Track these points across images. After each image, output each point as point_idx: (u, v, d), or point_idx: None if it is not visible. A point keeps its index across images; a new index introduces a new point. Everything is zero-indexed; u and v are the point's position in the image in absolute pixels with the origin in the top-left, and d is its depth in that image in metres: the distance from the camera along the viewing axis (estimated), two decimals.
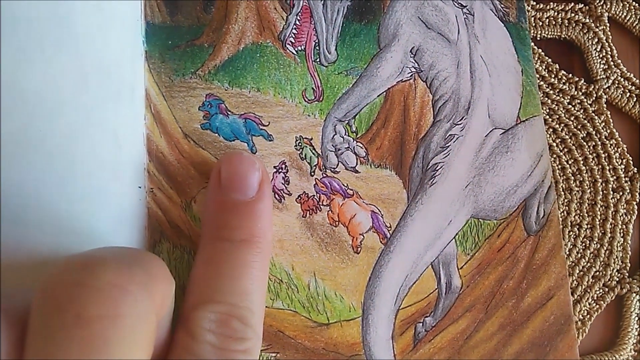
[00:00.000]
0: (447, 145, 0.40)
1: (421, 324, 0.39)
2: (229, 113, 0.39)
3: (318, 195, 0.39)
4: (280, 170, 0.39)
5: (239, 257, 0.33)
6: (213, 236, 0.34)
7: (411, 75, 0.41)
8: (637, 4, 0.46)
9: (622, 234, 0.43)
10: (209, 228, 0.35)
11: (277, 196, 0.39)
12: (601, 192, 0.43)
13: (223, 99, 0.39)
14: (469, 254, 0.39)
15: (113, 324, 0.24)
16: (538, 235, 0.40)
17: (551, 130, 0.44)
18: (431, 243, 0.39)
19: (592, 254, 0.43)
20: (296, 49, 0.41)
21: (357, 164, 0.40)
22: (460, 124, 0.41)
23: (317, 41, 0.41)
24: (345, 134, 0.40)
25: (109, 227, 0.37)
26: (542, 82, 0.45)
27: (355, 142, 0.40)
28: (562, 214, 0.43)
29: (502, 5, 0.44)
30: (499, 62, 0.42)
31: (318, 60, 0.41)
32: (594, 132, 0.44)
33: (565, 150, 0.43)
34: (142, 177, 0.38)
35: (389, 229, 0.39)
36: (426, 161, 0.40)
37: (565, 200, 0.42)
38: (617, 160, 0.44)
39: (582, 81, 0.45)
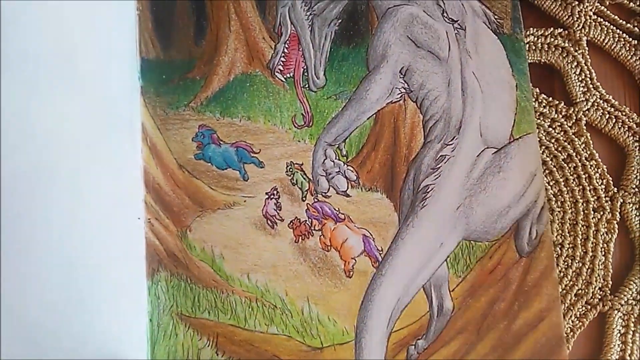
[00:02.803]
0: (438, 166, 0.44)
1: (413, 347, 0.43)
2: (221, 142, 0.45)
3: (310, 220, 0.44)
4: (272, 196, 0.44)
5: None
6: None
7: (401, 96, 0.45)
8: (614, 27, 0.50)
9: (603, 253, 0.47)
10: None
11: (269, 222, 0.44)
12: (582, 212, 0.47)
13: (215, 129, 0.45)
14: (461, 276, 0.43)
15: None
16: (530, 256, 0.43)
17: None
18: (423, 266, 0.43)
19: (574, 273, 0.47)
20: (285, 76, 0.45)
21: (348, 188, 0.45)
22: (451, 144, 0.45)
23: (305, 67, 0.45)
24: (335, 158, 0.45)
25: (110, 258, 0.42)
26: None
27: (345, 165, 0.45)
28: None
29: (496, 17, 0.47)
30: (492, 78, 0.46)
31: (307, 86, 0.45)
32: (574, 154, 0.48)
33: (547, 171, 0.47)
34: (140, 209, 0.43)
35: (381, 252, 0.44)
36: (417, 183, 0.44)
37: (548, 218, 0.46)
38: (598, 180, 0.48)
39: (562, 104, 0.49)
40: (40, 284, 0.41)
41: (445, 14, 0.46)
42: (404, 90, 0.46)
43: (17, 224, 0.40)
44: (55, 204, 0.41)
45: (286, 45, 0.46)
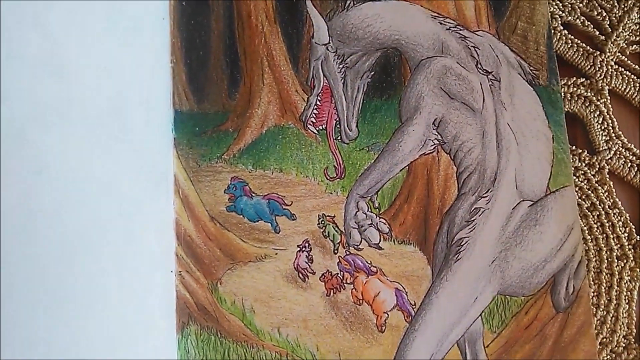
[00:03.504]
0: (472, 219, 0.45)
1: None
2: (253, 194, 0.46)
3: (342, 273, 0.45)
4: (303, 249, 0.45)
5: None
6: None
7: (434, 148, 0.46)
8: (635, 77, 0.52)
9: (627, 301, 0.48)
10: None
11: (300, 275, 0.45)
12: (606, 260, 0.49)
13: (247, 181, 0.46)
14: (496, 332, 0.44)
15: None
16: (567, 312, 0.43)
17: None
18: (457, 321, 0.44)
19: (599, 321, 0.48)
20: (317, 128, 0.46)
21: (380, 241, 0.45)
22: (486, 196, 0.45)
23: (338, 119, 0.46)
24: (367, 210, 0.46)
25: (141, 311, 0.43)
26: None
27: (378, 218, 0.45)
28: None
29: (532, 68, 0.48)
30: (527, 129, 0.46)
31: (339, 138, 0.46)
32: (597, 202, 0.50)
33: None
34: (172, 261, 0.44)
35: (414, 307, 0.44)
36: (451, 236, 0.45)
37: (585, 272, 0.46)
38: (621, 228, 0.49)
39: (585, 152, 0.51)
40: (73, 337, 0.42)
41: (479, 65, 0.47)
42: (437, 142, 0.46)
43: (51, 279, 0.41)
44: (89, 258, 0.43)
45: (319, 98, 0.47)
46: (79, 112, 0.43)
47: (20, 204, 0.40)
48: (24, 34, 0.42)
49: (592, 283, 0.48)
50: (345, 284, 0.45)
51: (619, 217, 0.49)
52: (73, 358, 0.41)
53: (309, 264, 0.45)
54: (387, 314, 0.45)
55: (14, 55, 0.41)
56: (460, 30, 0.48)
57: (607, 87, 0.51)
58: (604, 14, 0.53)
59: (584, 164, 0.50)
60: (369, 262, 0.45)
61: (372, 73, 0.48)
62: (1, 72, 0.40)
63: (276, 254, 0.45)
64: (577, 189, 0.49)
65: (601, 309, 0.47)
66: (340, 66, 0.47)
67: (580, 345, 0.43)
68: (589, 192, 0.50)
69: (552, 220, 0.45)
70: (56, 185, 0.41)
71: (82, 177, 0.43)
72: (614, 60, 0.52)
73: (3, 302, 0.41)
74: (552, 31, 0.50)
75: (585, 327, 0.44)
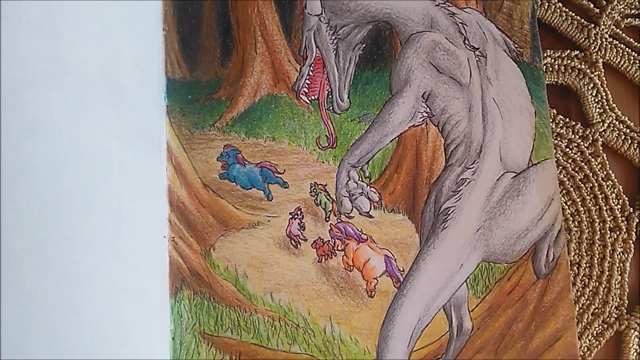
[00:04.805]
0: (458, 189, 0.47)
1: None
2: (246, 162, 0.47)
3: (333, 240, 0.47)
4: (295, 216, 0.47)
5: None
6: None
7: (423, 120, 0.48)
8: (630, 50, 0.55)
9: (619, 272, 0.51)
10: None
11: (293, 242, 0.47)
12: (599, 232, 0.52)
13: (240, 149, 0.47)
14: (480, 297, 0.46)
15: None
16: (547, 278, 0.46)
17: None
18: (443, 286, 0.46)
19: (591, 292, 0.51)
20: (310, 98, 0.48)
21: (370, 209, 0.47)
22: (472, 167, 0.48)
23: (330, 90, 0.48)
24: (358, 180, 0.48)
25: (134, 276, 0.44)
26: None
27: (368, 187, 0.48)
28: None
29: (516, 45, 0.50)
30: (511, 104, 0.49)
31: (331, 108, 0.48)
32: (591, 174, 0.52)
33: (564, 191, 0.51)
34: (165, 227, 0.45)
35: (402, 272, 0.46)
36: (438, 205, 0.47)
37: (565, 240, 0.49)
38: (614, 200, 0.52)
39: (579, 125, 0.54)
40: (64, 301, 0.43)
41: (466, 42, 0.49)
42: (426, 115, 0.49)
43: (43, 240, 0.42)
44: (81, 221, 0.44)
45: (311, 68, 0.49)
46: (73, 77, 0.43)
47: (14, 160, 0.41)
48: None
49: (585, 254, 0.51)
50: (336, 251, 0.47)
51: (612, 189, 0.52)
52: (65, 319, 0.42)
53: (301, 231, 0.47)
54: (377, 280, 0.47)
55: (11, 19, 0.41)
56: (449, 6, 0.50)
57: (601, 60, 0.54)
58: None
59: (577, 136, 0.53)
60: (360, 229, 0.48)
61: (364, 45, 0.49)
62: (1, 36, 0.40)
63: (269, 221, 0.47)
64: (570, 161, 0.52)
65: (593, 280, 0.50)
66: (333, 37, 0.49)
67: (559, 310, 0.46)
68: (583, 164, 0.52)
69: (534, 191, 0.48)
70: (51, 145, 0.42)
71: (75, 140, 0.43)
72: (609, 33, 0.54)
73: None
74: (548, 4, 0.53)
75: (564, 292, 0.47)
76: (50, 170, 0.42)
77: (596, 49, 0.54)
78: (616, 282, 0.50)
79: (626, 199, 0.52)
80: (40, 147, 0.41)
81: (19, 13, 0.42)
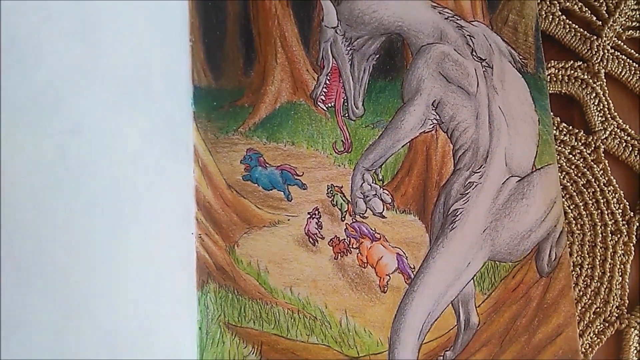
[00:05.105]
0: (466, 192, 0.51)
1: (442, 358, 0.49)
2: (267, 165, 0.50)
3: (348, 238, 0.50)
4: (313, 215, 0.50)
5: None
6: None
7: (433, 127, 0.52)
8: (631, 61, 0.58)
9: (620, 273, 0.54)
10: None
11: (311, 240, 0.50)
12: (600, 235, 0.54)
13: (262, 153, 0.50)
14: (486, 294, 0.50)
15: None
16: (550, 276, 0.50)
17: None
18: (451, 283, 0.49)
19: (592, 292, 0.53)
20: (326, 105, 0.51)
21: (383, 210, 0.51)
22: (479, 172, 0.51)
23: (345, 98, 0.51)
24: (372, 182, 0.51)
25: (164, 270, 0.48)
26: None
27: (381, 189, 0.51)
28: None
29: (521, 57, 0.54)
30: (516, 112, 0.52)
31: (347, 115, 0.51)
32: (593, 180, 0.55)
33: (567, 196, 0.54)
34: (192, 225, 0.49)
35: (413, 270, 0.50)
36: (447, 207, 0.50)
37: (568, 242, 0.52)
38: (615, 205, 0.55)
39: (582, 132, 0.56)
40: (102, 293, 0.46)
41: (474, 53, 0.53)
42: (436, 122, 0.52)
43: (84, 236, 0.45)
44: (116, 219, 0.47)
45: (328, 77, 0.52)
46: (110, 84, 0.47)
47: (57, 159, 0.44)
48: (59, 4, 0.45)
49: (587, 256, 0.53)
50: (351, 249, 0.50)
51: (613, 194, 0.55)
52: (103, 310, 0.46)
53: (319, 229, 0.51)
54: (389, 276, 0.50)
55: (55, 29, 0.44)
56: (458, 20, 0.54)
57: (603, 71, 0.57)
58: (601, 0, 0.58)
59: (580, 143, 0.56)
60: (373, 229, 0.51)
61: (377, 56, 0.53)
62: (40, 38, 0.44)
63: (288, 220, 0.50)
64: (573, 167, 0.55)
65: (595, 281, 0.53)
66: (348, 48, 0.53)
67: (561, 306, 0.49)
68: (585, 170, 0.55)
69: (537, 195, 0.51)
70: (89, 146, 0.45)
71: (110, 142, 0.47)
72: (610, 44, 0.57)
73: (29, 247, 0.44)
74: (552, 16, 0.56)
75: (566, 290, 0.50)
76: (88, 170, 0.45)
77: (598, 60, 0.57)
78: (617, 283, 0.53)
79: (627, 203, 0.55)
80: (80, 148, 0.45)
81: (63, 24, 0.45)
